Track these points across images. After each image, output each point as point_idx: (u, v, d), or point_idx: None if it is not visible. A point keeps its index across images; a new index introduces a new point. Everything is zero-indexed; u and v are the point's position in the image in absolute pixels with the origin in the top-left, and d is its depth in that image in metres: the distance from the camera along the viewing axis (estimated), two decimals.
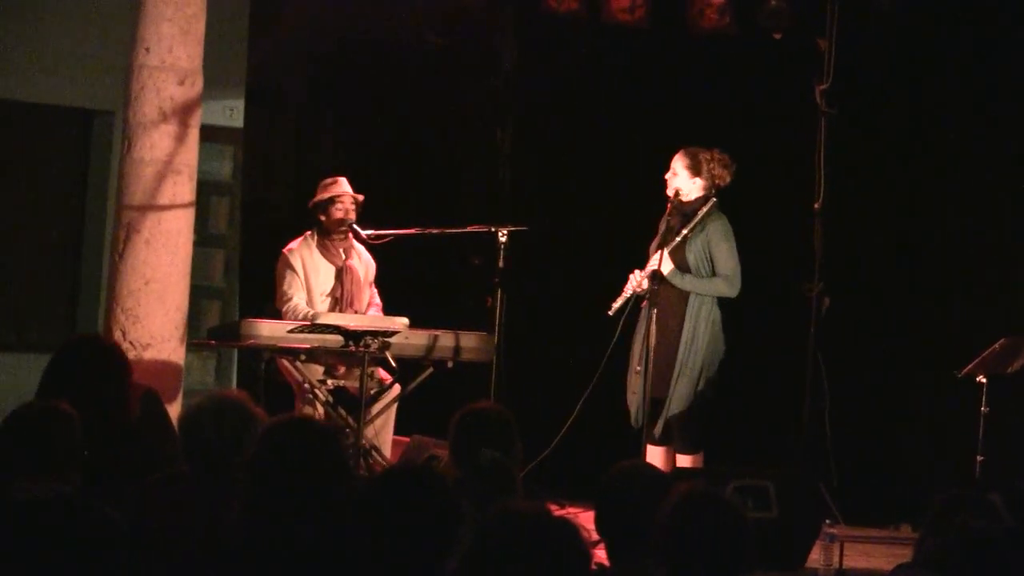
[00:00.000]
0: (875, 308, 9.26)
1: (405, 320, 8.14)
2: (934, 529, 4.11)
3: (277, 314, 8.34)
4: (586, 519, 4.06)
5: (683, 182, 8.09)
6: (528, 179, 10.04)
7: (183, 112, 7.88)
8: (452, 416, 5.14)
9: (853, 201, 8.98)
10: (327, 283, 8.45)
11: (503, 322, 8.11)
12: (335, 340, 7.90)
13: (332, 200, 8.44)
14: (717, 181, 8.11)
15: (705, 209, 8.08)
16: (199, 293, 9.45)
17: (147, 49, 7.84)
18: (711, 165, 8.09)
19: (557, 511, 4.59)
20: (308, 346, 7.94)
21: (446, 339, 8.23)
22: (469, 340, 8.27)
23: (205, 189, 9.20)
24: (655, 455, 7.96)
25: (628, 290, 8.07)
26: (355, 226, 8.41)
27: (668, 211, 8.14)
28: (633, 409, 8.04)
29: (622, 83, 9.83)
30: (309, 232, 8.51)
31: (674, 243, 8.04)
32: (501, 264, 8.15)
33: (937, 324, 9.00)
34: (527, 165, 10.07)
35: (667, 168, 8.14)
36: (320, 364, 8.24)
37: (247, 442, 4.19)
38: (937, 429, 8.92)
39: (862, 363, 9.13)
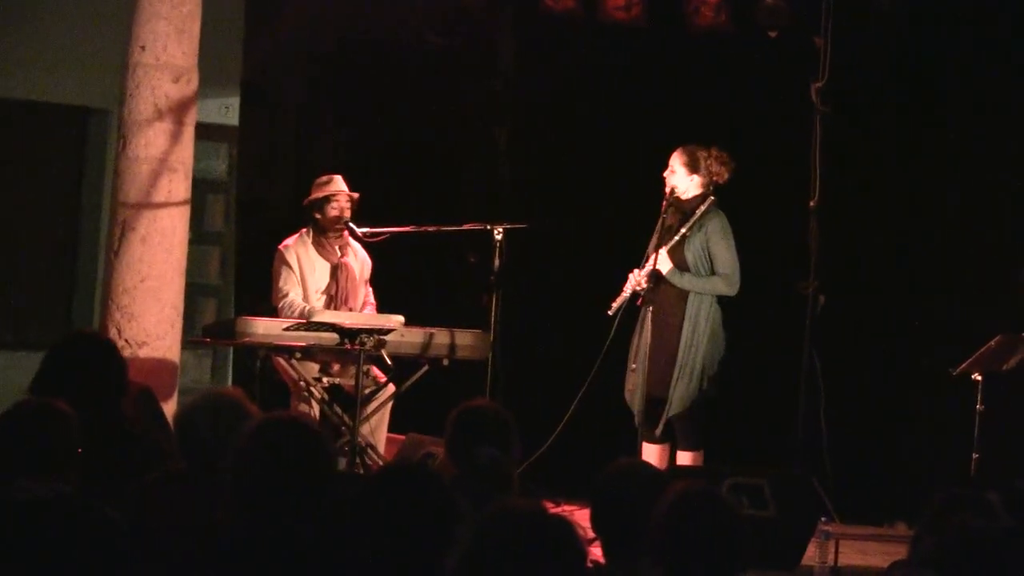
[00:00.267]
0: (871, 306, 9.27)
1: (401, 318, 8.14)
2: (931, 528, 4.11)
3: (273, 312, 8.34)
4: (582, 517, 4.06)
5: (680, 180, 8.09)
6: (526, 178, 10.04)
7: (178, 110, 7.88)
8: (448, 414, 5.14)
9: (848, 199, 8.99)
10: (323, 280, 8.45)
11: (499, 320, 8.12)
12: (331, 338, 7.91)
13: (327, 198, 8.43)
14: (715, 178, 8.12)
15: (703, 207, 8.09)
16: (195, 291, 9.47)
17: (143, 47, 7.85)
18: (708, 162, 8.10)
19: (553, 509, 4.59)
20: (304, 344, 7.94)
21: (442, 337, 8.24)
22: (465, 338, 8.27)
23: (200, 187, 9.20)
24: (651, 453, 7.97)
25: (628, 290, 8.08)
26: (351, 224, 8.41)
27: (664, 208, 8.14)
28: (635, 408, 8.05)
29: (619, 82, 9.83)
30: (305, 229, 8.51)
31: (673, 242, 8.05)
32: (497, 262, 8.15)
33: (933, 322, 9.00)
34: (525, 164, 10.07)
35: (665, 166, 8.14)
36: (316, 362, 8.24)
37: None
38: (933, 427, 8.92)
39: (857, 361, 9.13)
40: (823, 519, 6.93)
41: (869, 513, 8.52)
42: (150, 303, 7.80)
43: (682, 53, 9.50)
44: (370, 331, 7.92)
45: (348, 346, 7.89)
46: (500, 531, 3.16)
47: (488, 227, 8.23)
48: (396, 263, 8.87)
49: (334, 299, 8.41)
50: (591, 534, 4.13)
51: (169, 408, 7.20)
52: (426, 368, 8.29)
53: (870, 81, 9.20)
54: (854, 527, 8.05)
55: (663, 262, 8.02)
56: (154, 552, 4.05)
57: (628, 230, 8.56)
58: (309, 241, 8.47)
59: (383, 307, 8.52)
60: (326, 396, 8.18)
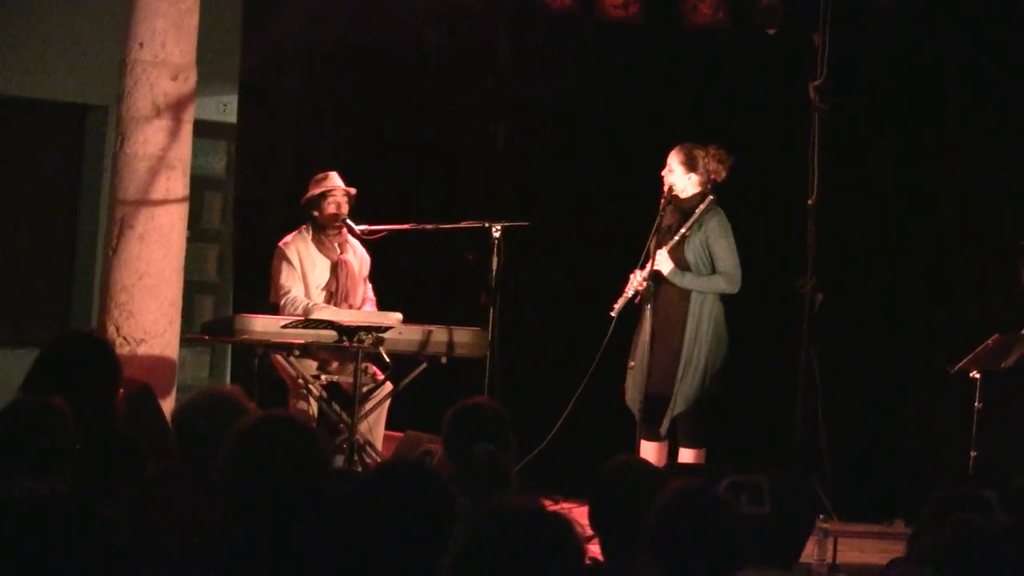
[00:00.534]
0: (868, 304, 9.27)
1: (399, 315, 8.14)
2: (929, 526, 4.12)
3: (271, 309, 8.34)
4: (580, 514, 4.06)
5: (678, 178, 8.08)
6: (524, 176, 10.03)
7: (176, 107, 7.88)
8: (446, 412, 5.14)
9: (846, 197, 8.98)
10: (322, 277, 8.44)
11: (497, 318, 8.11)
12: (329, 335, 7.91)
13: (324, 195, 8.42)
14: (713, 176, 8.11)
15: (703, 206, 8.08)
16: (193, 288, 9.47)
17: (140, 44, 7.85)
18: (706, 161, 8.09)
19: (551, 506, 4.59)
20: (302, 341, 7.94)
21: (440, 334, 8.23)
22: (463, 336, 8.27)
23: (199, 184, 9.20)
24: (650, 451, 7.97)
25: (629, 290, 8.08)
26: (349, 221, 8.41)
27: (662, 207, 8.14)
28: (634, 407, 8.05)
29: (617, 80, 9.83)
30: (304, 227, 8.50)
31: (673, 242, 8.04)
32: (495, 260, 8.15)
33: (931, 320, 9.01)
34: (523, 162, 10.07)
35: (663, 165, 8.14)
36: (314, 359, 8.24)
37: None
38: (931, 425, 8.93)
39: (855, 359, 9.13)
40: (821, 517, 6.93)
41: (867, 511, 8.52)
42: (148, 300, 7.80)
43: (680, 51, 9.50)
44: (368, 329, 7.92)
45: (346, 343, 7.89)
46: (498, 529, 3.16)
47: (486, 225, 8.24)
48: (394, 261, 8.86)
49: (334, 296, 8.41)
50: (589, 532, 4.13)
51: (167, 405, 7.21)
52: (424, 366, 8.28)
53: (868, 79, 9.20)
54: (852, 525, 8.06)
55: (663, 263, 8.01)
56: (152, 550, 4.05)
57: (626, 228, 8.56)
58: (309, 238, 8.46)
59: (381, 304, 8.52)
60: (324, 393, 8.18)
